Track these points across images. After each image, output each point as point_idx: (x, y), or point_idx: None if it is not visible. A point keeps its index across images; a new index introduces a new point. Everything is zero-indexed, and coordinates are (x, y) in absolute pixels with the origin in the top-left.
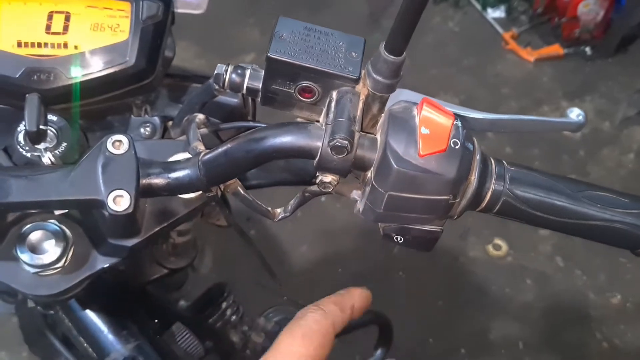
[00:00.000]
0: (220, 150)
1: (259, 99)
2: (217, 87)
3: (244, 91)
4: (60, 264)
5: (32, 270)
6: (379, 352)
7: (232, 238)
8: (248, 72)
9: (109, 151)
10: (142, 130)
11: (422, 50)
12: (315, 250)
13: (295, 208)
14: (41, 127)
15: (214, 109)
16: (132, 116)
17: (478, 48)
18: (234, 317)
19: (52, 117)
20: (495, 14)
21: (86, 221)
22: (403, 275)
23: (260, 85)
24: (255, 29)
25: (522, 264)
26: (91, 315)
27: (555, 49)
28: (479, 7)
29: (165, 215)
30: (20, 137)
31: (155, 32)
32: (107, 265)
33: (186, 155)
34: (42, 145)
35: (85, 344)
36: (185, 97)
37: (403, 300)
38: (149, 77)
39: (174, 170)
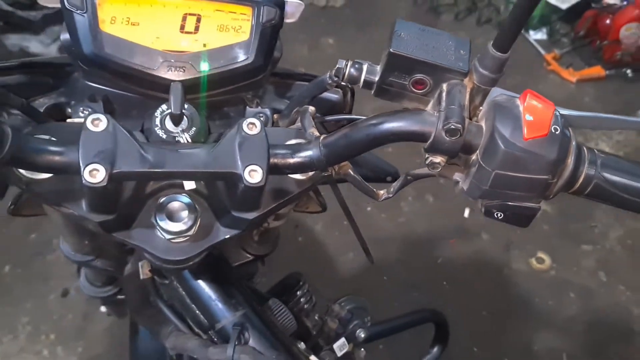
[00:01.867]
0: (341, 133)
1: (372, 91)
2: (329, 81)
3: (361, 84)
4: (190, 232)
5: (167, 236)
6: (435, 349)
7: None
8: (365, 67)
9: (244, 132)
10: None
11: None
12: (361, 258)
13: (397, 190)
14: (183, 111)
15: (317, 104)
16: (248, 107)
17: (521, 68)
18: (307, 305)
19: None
20: (537, 35)
21: (210, 196)
22: (447, 286)
23: (376, 79)
24: (305, 45)
25: (566, 277)
26: (203, 284)
27: (597, 71)
28: None
29: (280, 194)
30: (158, 121)
31: (272, 33)
32: (228, 236)
33: (300, 140)
34: (179, 128)
35: (197, 311)
36: (290, 93)
37: (447, 309)
38: (263, 73)
39: (298, 151)
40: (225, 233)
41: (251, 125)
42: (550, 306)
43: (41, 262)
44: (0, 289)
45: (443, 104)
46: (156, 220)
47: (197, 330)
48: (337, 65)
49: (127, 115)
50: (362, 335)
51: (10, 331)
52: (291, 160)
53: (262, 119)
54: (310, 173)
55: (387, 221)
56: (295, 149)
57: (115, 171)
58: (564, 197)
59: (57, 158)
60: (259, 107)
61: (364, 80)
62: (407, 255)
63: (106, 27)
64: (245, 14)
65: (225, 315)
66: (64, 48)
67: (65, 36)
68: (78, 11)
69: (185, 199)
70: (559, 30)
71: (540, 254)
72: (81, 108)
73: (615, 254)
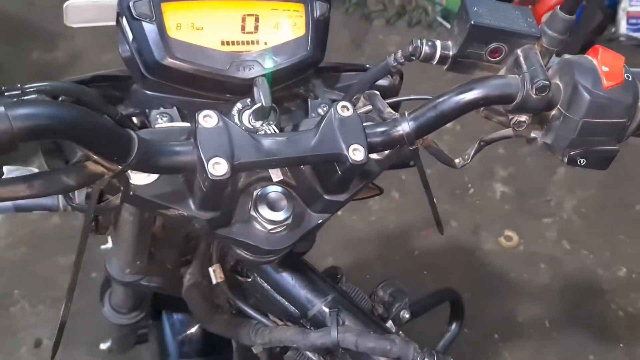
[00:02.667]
0: (429, 106)
1: (445, 66)
2: (394, 64)
3: (436, 60)
4: (288, 222)
5: (269, 226)
6: (453, 326)
7: None
8: (439, 44)
9: (339, 114)
10: (319, 110)
11: (406, 68)
12: (341, 261)
13: (473, 156)
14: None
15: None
16: (310, 100)
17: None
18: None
19: None
20: None
21: (298, 184)
22: (428, 274)
23: (451, 53)
24: None
25: (534, 250)
26: (287, 276)
27: None
28: (449, 27)
29: (364, 175)
30: (236, 118)
31: (325, 27)
32: (320, 221)
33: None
34: (261, 121)
35: (286, 303)
36: (338, 84)
37: None
38: (318, 66)
39: (388, 128)
40: (317, 218)
41: (344, 109)
42: (525, 278)
43: (4, 315)
44: None
45: (524, 66)
46: (257, 212)
47: (285, 321)
48: (414, 44)
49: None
50: (407, 317)
51: None
52: (382, 138)
53: (325, 108)
54: (386, 152)
55: (359, 222)
56: (385, 126)
57: (235, 162)
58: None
59: (178, 158)
60: (319, 99)
61: (440, 56)
62: (385, 251)
63: (173, 33)
64: (298, 11)
65: (316, 302)
66: (124, 61)
67: (124, 48)
68: (147, 20)
69: (281, 189)
70: None
71: (507, 232)
72: (157, 115)
73: (573, 222)
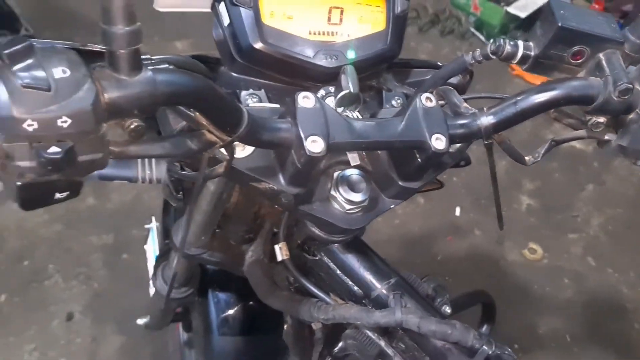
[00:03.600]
0: (509, 102)
1: (525, 66)
2: (471, 62)
3: (516, 59)
4: (364, 204)
5: (347, 206)
6: (484, 327)
7: None
8: (521, 44)
9: (424, 105)
10: (393, 102)
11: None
12: None
13: (544, 154)
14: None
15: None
16: (384, 92)
17: (487, 74)
18: None
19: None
20: None
21: (374, 170)
22: (450, 280)
23: (533, 53)
24: None
25: (558, 265)
26: (353, 257)
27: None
28: (482, 38)
29: (438, 165)
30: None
31: (403, 23)
32: (393, 205)
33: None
34: (344, 107)
35: (350, 283)
36: (409, 80)
37: None
38: (393, 60)
39: (468, 121)
40: (390, 203)
41: (428, 100)
42: (548, 292)
43: (38, 288)
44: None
45: (606, 69)
46: (337, 192)
47: (346, 300)
48: (497, 43)
49: (281, 103)
50: (448, 311)
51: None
52: (461, 130)
53: (399, 101)
54: (457, 145)
55: (383, 224)
56: (465, 119)
57: (331, 142)
58: (546, 190)
59: (279, 134)
60: (392, 92)
61: (521, 56)
62: (408, 254)
63: (267, 20)
64: (380, 6)
65: (379, 284)
66: (216, 45)
67: (217, 32)
68: (244, 6)
69: (359, 172)
70: (518, 38)
71: (532, 245)
72: (247, 96)
73: (599, 239)
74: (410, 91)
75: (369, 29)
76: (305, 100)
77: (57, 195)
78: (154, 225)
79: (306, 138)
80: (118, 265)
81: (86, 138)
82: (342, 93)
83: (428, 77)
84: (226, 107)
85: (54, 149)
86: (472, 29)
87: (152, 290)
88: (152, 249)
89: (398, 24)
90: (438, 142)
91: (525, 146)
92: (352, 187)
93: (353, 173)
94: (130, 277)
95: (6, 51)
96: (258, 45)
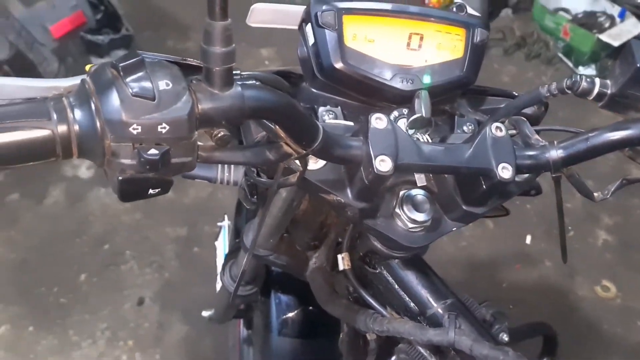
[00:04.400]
0: (581, 138)
1: (600, 103)
2: (546, 94)
3: (592, 96)
4: (427, 224)
5: (410, 225)
6: None
7: None
8: (598, 81)
9: (493, 134)
10: (464, 128)
11: None
12: None
13: (613, 192)
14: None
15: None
16: (457, 117)
17: (573, 103)
18: None
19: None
20: (586, 71)
21: (440, 192)
22: (514, 309)
23: (610, 91)
24: None
25: (632, 306)
26: (412, 274)
27: None
28: (570, 64)
29: (503, 193)
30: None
31: (482, 52)
32: (454, 228)
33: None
34: (414, 130)
35: (407, 298)
36: (483, 107)
37: None
38: (469, 87)
39: (537, 153)
40: (452, 226)
41: (497, 129)
42: (619, 333)
43: (115, 271)
44: (78, 297)
45: None
46: (402, 210)
47: (402, 315)
48: (573, 79)
49: (355, 121)
50: (505, 339)
51: (89, 336)
52: (529, 162)
53: (471, 127)
54: (525, 175)
55: (449, 244)
56: (533, 150)
57: (399, 162)
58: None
59: (350, 151)
60: (464, 117)
61: (597, 93)
62: (472, 278)
63: (349, 42)
64: (459, 35)
65: (435, 302)
66: (300, 62)
67: (302, 50)
68: (329, 28)
69: (424, 192)
70: (608, 67)
71: (605, 282)
72: (324, 112)
73: None
74: (483, 118)
75: (447, 55)
76: (378, 121)
77: (151, 191)
78: (226, 223)
79: (375, 157)
80: (189, 258)
81: (180, 143)
82: (414, 116)
83: (502, 105)
84: (304, 124)
85: (152, 151)
86: (560, 55)
87: (218, 286)
88: (222, 245)
89: (476, 52)
90: (504, 172)
91: (604, 179)
92: (417, 206)
93: (418, 193)
94: (199, 270)
95: (121, 64)
96: (339, 65)
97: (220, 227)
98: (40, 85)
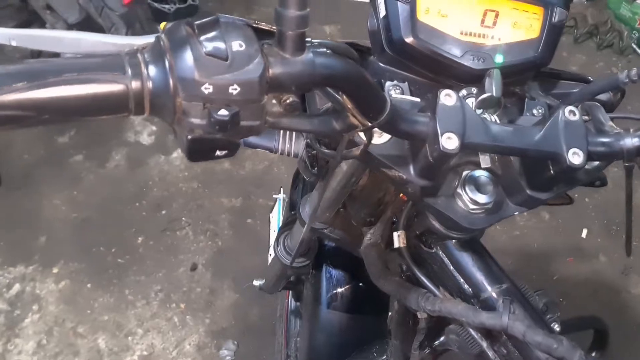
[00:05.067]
0: None
1: None
2: (625, 80)
3: None
4: (488, 206)
5: (471, 206)
6: (594, 353)
7: None
8: None
9: (566, 117)
10: (534, 111)
11: None
12: None
13: None
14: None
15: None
16: (527, 100)
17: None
18: None
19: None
20: None
21: (504, 174)
22: (564, 302)
23: None
24: None
25: None
26: (467, 256)
27: None
28: None
29: (570, 180)
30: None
31: (559, 33)
32: (516, 212)
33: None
34: (482, 110)
35: (461, 280)
36: (555, 90)
37: None
38: (542, 69)
39: (611, 140)
40: (514, 209)
41: (571, 113)
42: None
43: (171, 236)
44: (135, 258)
45: None
46: (464, 190)
47: (455, 296)
48: None
49: (422, 98)
50: (557, 329)
51: (143, 297)
52: (602, 149)
53: (541, 110)
54: (595, 163)
55: (502, 233)
56: (607, 137)
57: (466, 141)
58: None
59: (417, 126)
60: (535, 100)
61: None
62: (523, 267)
63: (422, 16)
64: (536, 14)
65: (490, 286)
66: (369, 34)
67: (372, 23)
68: (402, 1)
69: (487, 174)
70: None
71: None
72: (391, 86)
73: None
74: (554, 102)
75: (522, 35)
76: (447, 97)
77: (218, 152)
78: (281, 196)
79: (442, 134)
80: (242, 228)
81: (249, 106)
82: (483, 96)
83: (575, 90)
84: (372, 95)
85: (223, 111)
86: (634, 46)
87: (270, 256)
88: (276, 218)
89: (553, 33)
90: (575, 157)
91: None
92: (479, 188)
93: (482, 174)
94: (251, 241)
95: (197, 22)
96: (409, 39)
97: (276, 199)
98: (116, 42)
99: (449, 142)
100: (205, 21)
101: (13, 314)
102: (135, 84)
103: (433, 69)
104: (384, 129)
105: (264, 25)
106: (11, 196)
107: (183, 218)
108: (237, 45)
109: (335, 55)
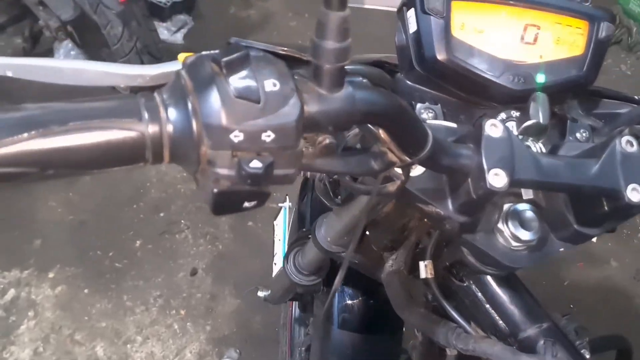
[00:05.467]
0: None
1: None
2: None
3: None
4: (532, 243)
5: (514, 243)
6: None
7: None
8: None
9: (623, 148)
10: (578, 135)
11: None
12: None
13: None
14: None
15: None
16: (569, 122)
17: None
18: None
19: None
20: None
21: (549, 208)
22: (575, 309)
23: None
24: None
25: None
26: (505, 292)
27: None
28: None
29: (621, 217)
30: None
31: (605, 49)
32: (562, 249)
33: None
34: (525, 136)
35: (497, 317)
36: (596, 110)
37: None
38: (586, 88)
39: None
40: (559, 246)
41: (628, 144)
42: None
43: (170, 240)
44: (133, 262)
45: None
46: (507, 226)
47: (489, 334)
48: None
49: (455, 120)
50: (587, 356)
51: (142, 303)
52: None
53: (585, 134)
54: None
55: None
56: None
57: (515, 178)
58: None
59: (460, 160)
60: (577, 122)
61: None
62: (532, 273)
63: (456, 32)
64: (581, 29)
65: (529, 325)
66: (397, 50)
67: (400, 37)
68: (436, 15)
69: (531, 209)
70: None
71: None
72: (423, 109)
73: None
74: (597, 124)
75: (565, 52)
76: (493, 128)
77: (246, 204)
78: (287, 204)
79: (489, 170)
80: (243, 231)
81: (284, 153)
82: (529, 122)
83: (621, 110)
84: (415, 129)
85: (255, 163)
86: None
87: (275, 268)
88: (282, 226)
89: (599, 49)
90: (634, 194)
91: None
92: (524, 223)
93: (526, 209)
94: (252, 245)
95: (225, 59)
96: (442, 57)
97: (281, 208)
98: (125, 72)
99: (497, 179)
100: (234, 57)
101: (8, 320)
102: (152, 130)
103: (467, 88)
104: (424, 164)
105: (294, 53)
106: (4, 197)
107: (182, 221)
108: (271, 84)
109: (375, 88)
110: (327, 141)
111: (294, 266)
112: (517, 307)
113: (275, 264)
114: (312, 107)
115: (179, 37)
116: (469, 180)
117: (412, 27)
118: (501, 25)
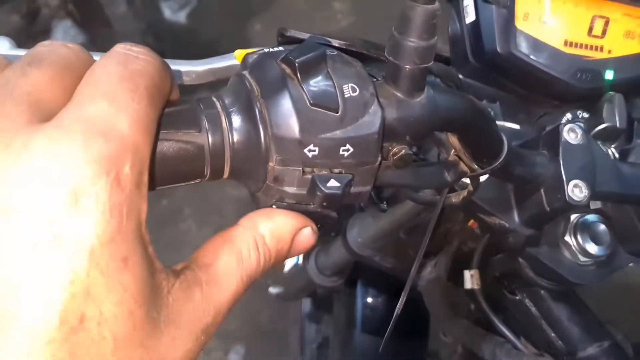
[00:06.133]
0: None
1: None
2: None
3: None
4: (602, 258)
5: (581, 258)
6: None
7: None
8: None
9: None
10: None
11: None
12: None
13: None
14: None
15: None
16: (636, 123)
17: None
18: None
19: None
20: None
21: (617, 218)
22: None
23: None
24: None
25: None
26: (563, 307)
27: None
28: None
29: None
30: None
31: None
32: (631, 264)
33: None
34: (597, 140)
35: (552, 334)
36: None
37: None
38: None
39: None
40: (628, 260)
41: None
42: None
43: (173, 229)
44: None
45: None
46: (575, 240)
47: (542, 351)
48: None
49: (514, 119)
50: None
51: None
52: None
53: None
54: None
55: None
56: None
57: (597, 190)
58: None
59: (534, 170)
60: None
61: None
62: None
63: (520, 23)
64: None
65: (589, 344)
66: (449, 41)
67: (454, 27)
68: (498, 4)
69: (601, 219)
70: None
71: None
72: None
73: None
74: None
75: (636, 46)
76: (571, 134)
77: None
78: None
79: (568, 181)
80: None
81: (361, 169)
82: (603, 126)
83: None
84: (491, 137)
85: (333, 182)
86: None
87: (288, 263)
88: None
89: None
90: None
91: None
92: (594, 237)
93: (596, 221)
94: None
95: (299, 60)
96: (504, 50)
97: None
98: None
99: (577, 191)
100: (309, 58)
101: None
102: (213, 142)
103: (529, 84)
104: (496, 174)
105: (374, 53)
106: None
107: (186, 209)
108: (349, 89)
109: (455, 91)
110: (404, 152)
111: (315, 265)
112: (575, 324)
113: (287, 261)
114: (390, 114)
115: (181, 17)
116: (542, 191)
117: (470, 16)
118: (568, 17)
